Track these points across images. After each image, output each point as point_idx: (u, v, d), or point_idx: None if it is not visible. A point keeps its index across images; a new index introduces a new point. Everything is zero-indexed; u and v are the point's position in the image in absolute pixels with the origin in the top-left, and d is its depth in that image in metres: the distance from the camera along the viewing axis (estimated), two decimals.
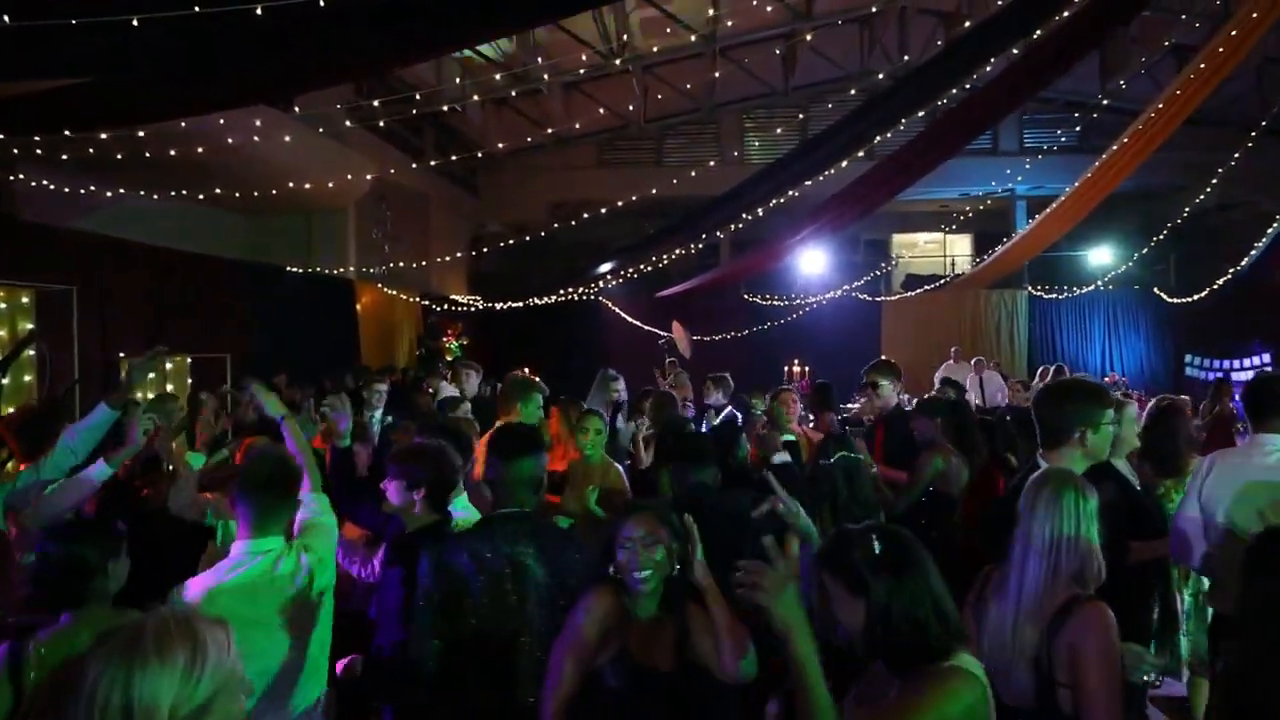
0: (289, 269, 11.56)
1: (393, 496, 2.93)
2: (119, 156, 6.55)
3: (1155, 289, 17.07)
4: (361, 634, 3.02)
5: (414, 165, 11.71)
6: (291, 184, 8.63)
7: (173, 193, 8.39)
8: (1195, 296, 15.79)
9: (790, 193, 11.02)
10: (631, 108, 16.10)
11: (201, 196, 8.62)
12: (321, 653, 2.65)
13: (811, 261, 16.92)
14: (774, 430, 4.52)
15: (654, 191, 11.55)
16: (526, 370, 12.51)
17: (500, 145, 11.75)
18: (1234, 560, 3.10)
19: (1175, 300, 16.72)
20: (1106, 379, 14.46)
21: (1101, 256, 17.90)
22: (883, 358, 6.25)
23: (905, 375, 10.48)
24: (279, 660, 2.52)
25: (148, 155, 6.57)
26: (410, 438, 4.04)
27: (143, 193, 8.07)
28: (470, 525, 2.92)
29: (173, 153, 6.61)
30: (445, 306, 15.49)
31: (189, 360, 9.55)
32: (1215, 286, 15.01)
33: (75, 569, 2.29)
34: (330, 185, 8.73)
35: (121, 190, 7.89)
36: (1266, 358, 16.17)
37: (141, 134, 6.41)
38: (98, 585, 2.31)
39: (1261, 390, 3.38)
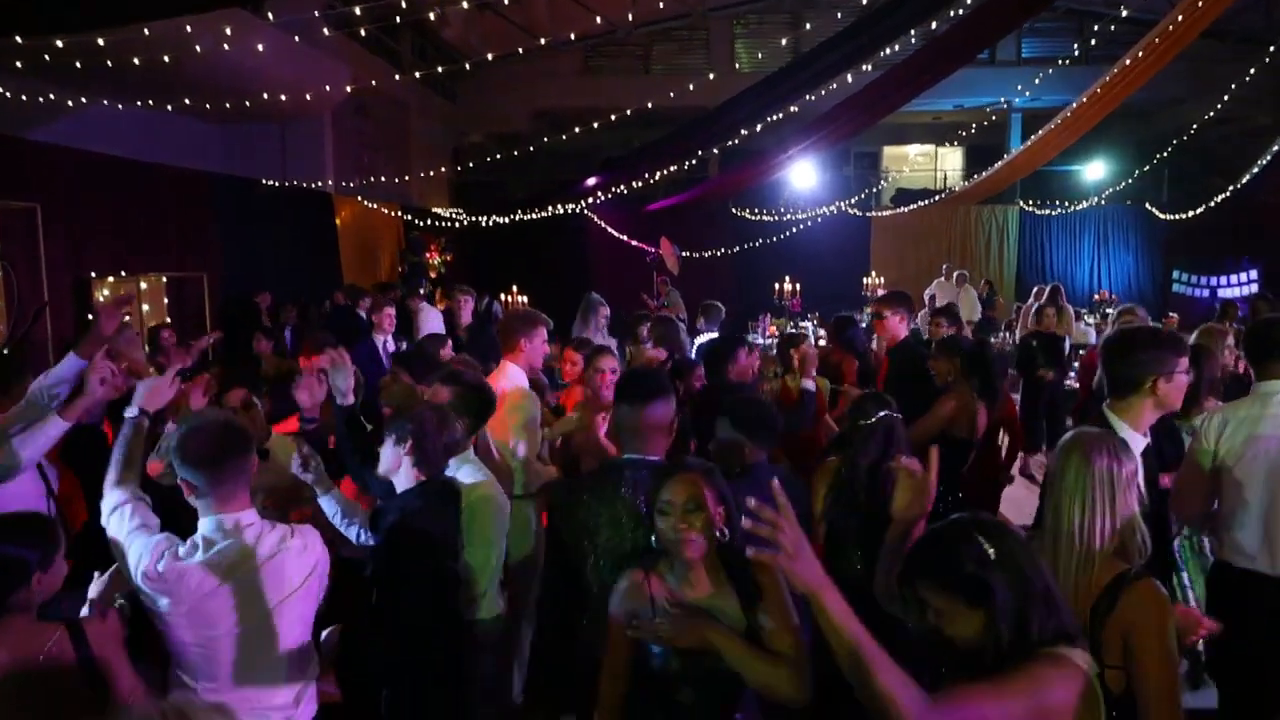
0: (264, 181, 11.10)
1: (384, 455, 2.77)
2: (78, 64, 6.07)
3: (1147, 205, 16.87)
4: (355, 586, 2.88)
5: (397, 77, 11.10)
6: (265, 94, 8.13)
7: (139, 102, 7.88)
8: (1190, 213, 15.61)
9: (792, 109, 10.60)
10: (631, 18, 15.33)
11: (170, 107, 8.11)
12: (307, 637, 2.47)
13: (802, 176, 16.51)
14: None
15: (649, 105, 11.06)
16: (515, 289, 12.31)
17: (485, 54, 11.17)
18: (1248, 516, 3.05)
19: (1167, 216, 16.55)
20: (1097, 296, 14.41)
21: (1095, 172, 17.61)
22: (894, 290, 6.03)
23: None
24: (261, 648, 2.33)
25: (110, 64, 6.08)
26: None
27: (106, 102, 7.57)
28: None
29: (136, 61, 6.12)
30: (428, 221, 15.05)
31: (164, 280, 9.22)
32: (1213, 204, 14.82)
33: None
34: (307, 96, 8.22)
35: (84, 99, 7.40)
36: (1254, 274, 16.17)
37: (101, 41, 5.90)
38: (21, 597, 2.05)
39: (1263, 336, 3.24)
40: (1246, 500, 3.09)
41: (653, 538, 2.20)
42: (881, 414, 3.28)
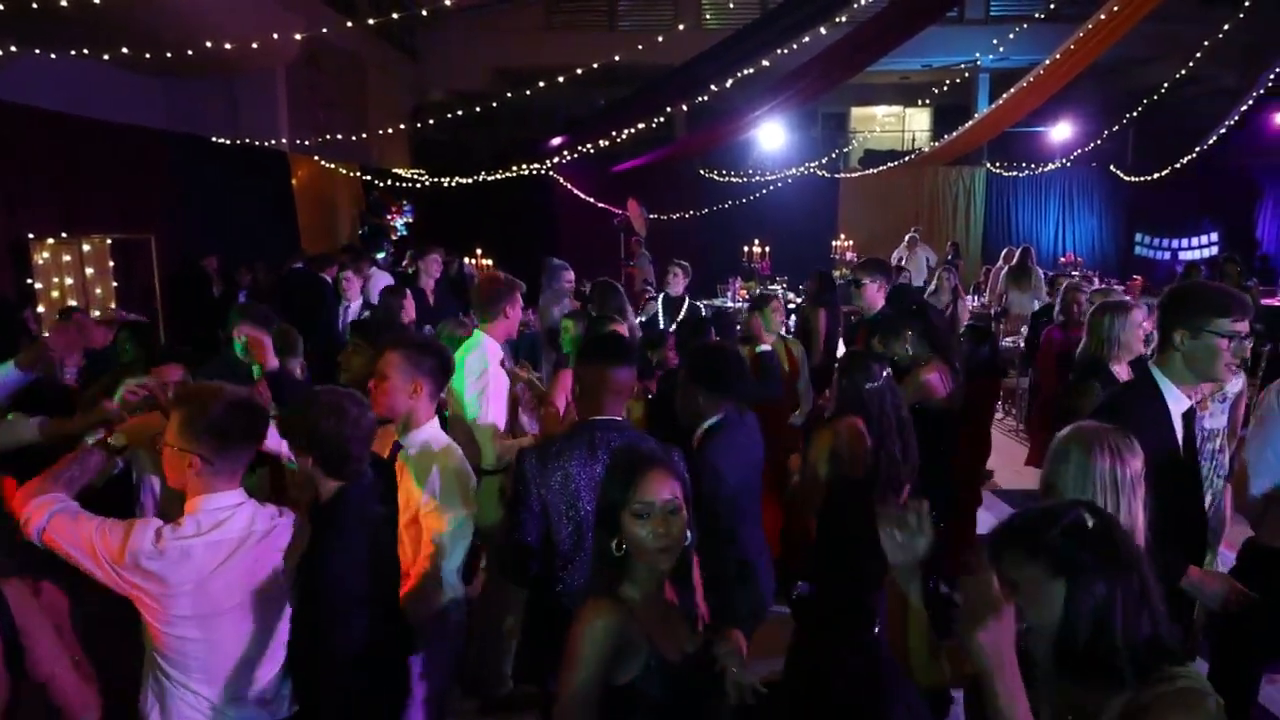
0: (215, 139, 10.63)
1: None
2: (1, 8, 5.64)
3: (1111, 167, 16.92)
4: None
5: (349, 25, 10.63)
6: (209, 43, 7.69)
7: (73, 52, 7.41)
8: (1155, 175, 15.67)
9: (763, 63, 10.33)
10: None
11: (106, 57, 7.64)
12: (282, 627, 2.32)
13: (769, 137, 16.30)
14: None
15: (616, 59, 10.73)
16: (479, 252, 12.02)
17: (446, 2, 10.74)
18: None
19: (1131, 179, 16.62)
20: (1063, 259, 14.46)
21: (1062, 133, 17.61)
22: (873, 256, 5.92)
23: (861, 256, 10.21)
24: (261, 631, 2.21)
25: (35, 6, 5.65)
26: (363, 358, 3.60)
27: (38, 51, 7.09)
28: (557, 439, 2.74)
29: (64, 3, 5.69)
30: (388, 181, 14.61)
31: (108, 242, 8.81)
32: (1178, 165, 14.86)
33: None
34: (255, 45, 7.79)
35: (13, 49, 6.93)
36: (1215, 236, 16.37)
37: None
38: None
39: None
40: None
41: (613, 544, 1.89)
42: (886, 373, 3.19)
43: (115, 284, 9.01)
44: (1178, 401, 2.59)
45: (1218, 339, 2.52)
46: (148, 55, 7.43)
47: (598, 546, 1.95)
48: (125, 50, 7.36)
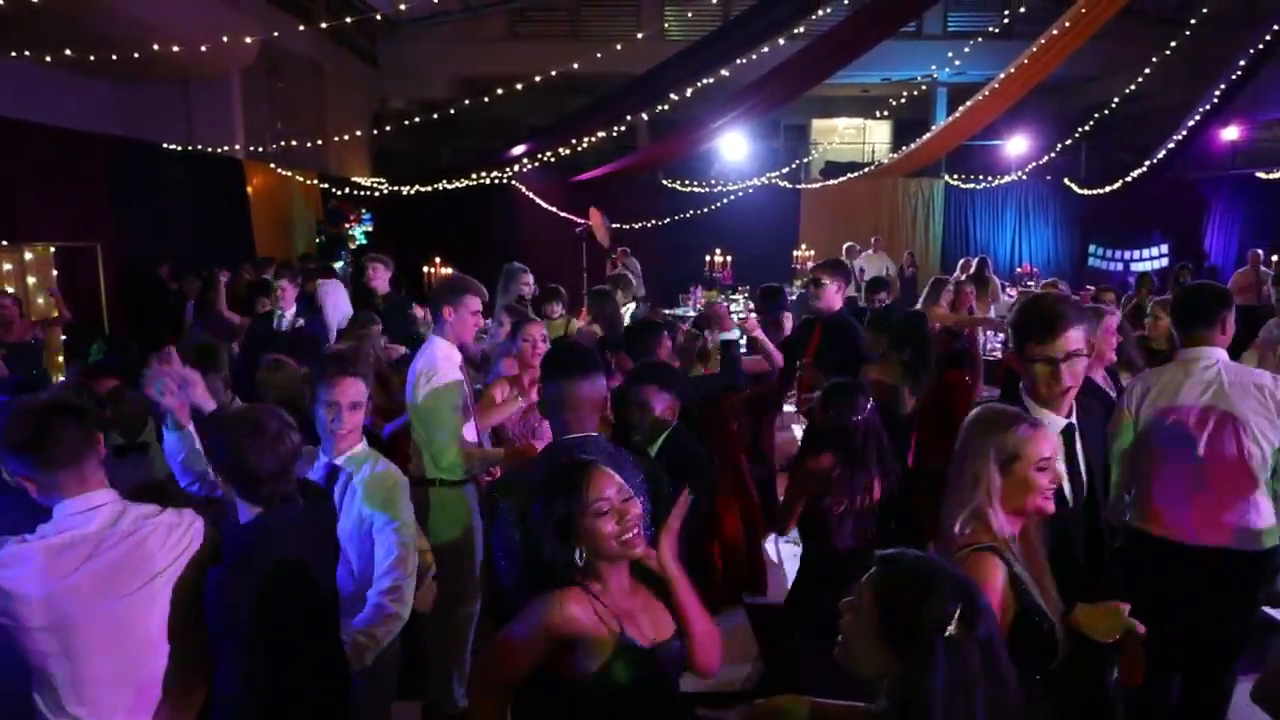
0: (166, 146, 10.39)
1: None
2: None
3: (1066, 180, 17.26)
4: None
5: (301, 28, 10.48)
6: (157, 46, 7.51)
7: (14, 54, 7.19)
8: (1107, 189, 16.01)
9: (722, 73, 10.39)
10: None
11: (49, 59, 7.42)
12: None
13: (731, 147, 16.38)
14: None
15: (575, 66, 10.71)
16: (438, 260, 11.87)
17: (401, 7, 10.62)
18: (1171, 479, 3.03)
19: (1084, 192, 16.97)
20: (1020, 269, 14.68)
21: (1017, 147, 17.93)
22: (835, 257, 5.98)
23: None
24: (129, 646, 2.04)
25: None
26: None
27: None
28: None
29: (1, 2, 5.50)
30: (347, 190, 14.41)
31: (52, 250, 8.54)
32: (1128, 180, 15.21)
33: None
34: (205, 49, 7.62)
35: None
36: (1165, 248, 16.76)
37: None
38: None
39: (1189, 302, 3.19)
40: (1168, 465, 3.07)
41: (577, 553, 1.90)
42: (870, 405, 3.17)
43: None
44: (1050, 422, 2.48)
45: (1033, 365, 2.48)
46: (92, 58, 7.23)
47: (553, 562, 1.91)
48: (69, 52, 7.15)
